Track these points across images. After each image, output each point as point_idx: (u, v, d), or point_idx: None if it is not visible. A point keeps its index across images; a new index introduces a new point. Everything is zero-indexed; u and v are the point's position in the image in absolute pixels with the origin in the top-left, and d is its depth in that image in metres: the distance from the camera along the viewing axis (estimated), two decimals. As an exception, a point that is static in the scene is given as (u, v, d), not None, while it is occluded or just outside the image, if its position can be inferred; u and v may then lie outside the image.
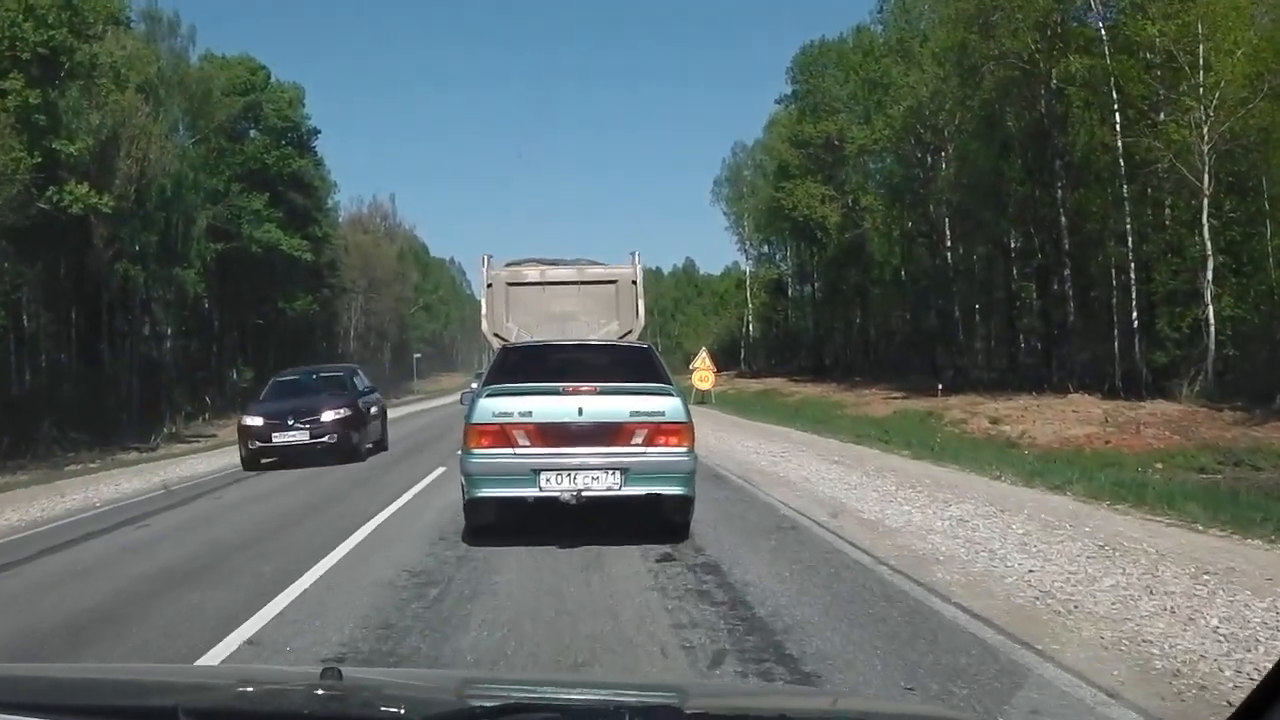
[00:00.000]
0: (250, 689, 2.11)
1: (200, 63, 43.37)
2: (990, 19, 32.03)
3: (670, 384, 9.13)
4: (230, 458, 20.30)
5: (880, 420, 27.63)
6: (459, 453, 9.16)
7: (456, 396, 18.14)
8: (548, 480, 8.50)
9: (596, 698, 2.15)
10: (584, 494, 8.51)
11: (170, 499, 14.91)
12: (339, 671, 1.93)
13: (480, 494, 8.76)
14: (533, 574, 7.80)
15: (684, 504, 8.94)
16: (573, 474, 8.49)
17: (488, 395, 8.83)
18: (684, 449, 8.60)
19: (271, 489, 15.51)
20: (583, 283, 12.27)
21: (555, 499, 8.58)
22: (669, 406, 8.68)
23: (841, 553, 8.49)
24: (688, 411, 8.79)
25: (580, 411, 8.53)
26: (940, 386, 29.60)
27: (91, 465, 24.16)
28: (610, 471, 8.49)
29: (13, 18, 24.52)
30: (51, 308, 33.88)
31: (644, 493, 8.63)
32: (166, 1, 40.25)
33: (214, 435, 35.63)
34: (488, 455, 8.61)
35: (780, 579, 7.44)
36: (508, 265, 12.63)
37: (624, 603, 6.81)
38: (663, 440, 8.55)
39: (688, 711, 1.75)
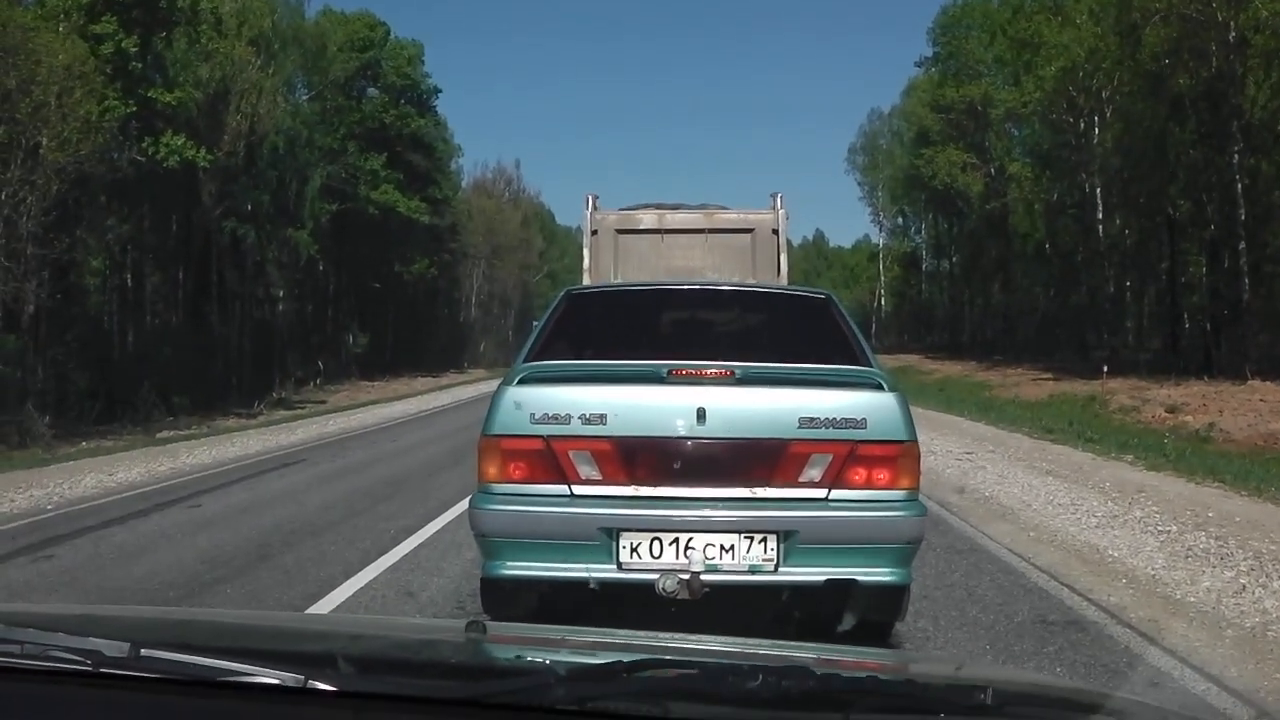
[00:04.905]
0: (401, 638, 2.11)
1: (317, 18, 42.47)
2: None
3: (874, 364, 4.90)
4: (304, 433, 18.64)
5: (1037, 405, 25.11)
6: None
7: None
8: (634, 550, 4.39)
9: (733, 650, 1.96)
10: (704, 578, 4.31)
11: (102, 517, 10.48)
12: (483, 625, 1.82)
13: (503, 572, 4.54)
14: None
15: (893, 599, 4.73)
16: (683, 539, 4.38)
17: (520, 380, 4.59)
18: (903, 492, 4.46)
19: (279, 493, 11.99)
20: (711, 230, 9.29)
21: (648, 586, 4.35)
22: (875, 408, 4.46)
23: None
24: (909, 419, 4.52)
25: (701, 416, 4.40)
26: (1105, 369, 26.91)
27: (185, 432, 23.04)
28: (757, 537, 4.36)
29: (105, -45, 23.29)
30: (161, 267, 33.06)
31: (821, 578, 4.43)
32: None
33: (323, 401, 34.69)
34: (519, 497, 4.49)
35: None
36: (620, 210, 10.22)
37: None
38: (861, 475, 4.42)
39: (818, 671, 1.64)
